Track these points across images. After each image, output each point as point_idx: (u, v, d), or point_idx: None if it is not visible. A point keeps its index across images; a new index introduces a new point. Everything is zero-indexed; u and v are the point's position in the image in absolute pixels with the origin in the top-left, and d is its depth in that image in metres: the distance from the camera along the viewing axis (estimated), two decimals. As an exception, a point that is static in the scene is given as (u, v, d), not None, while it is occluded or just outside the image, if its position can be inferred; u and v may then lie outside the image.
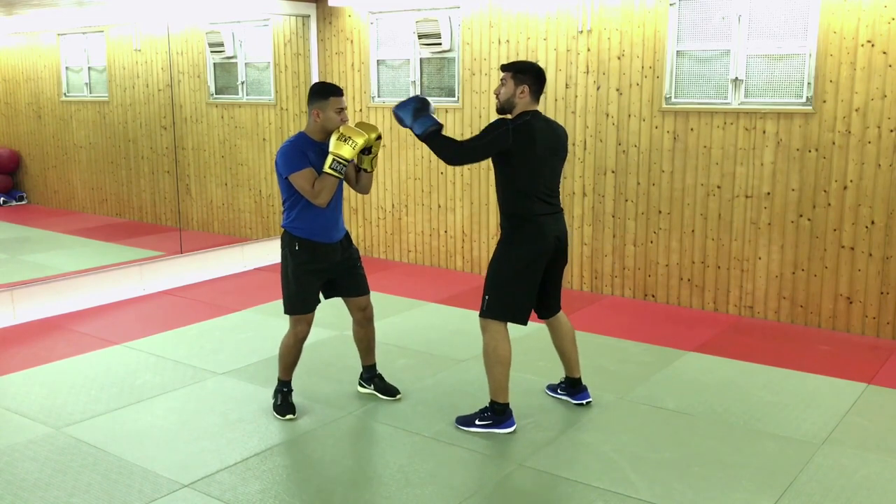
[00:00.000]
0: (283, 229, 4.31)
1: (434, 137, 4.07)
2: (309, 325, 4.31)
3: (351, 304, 4.49)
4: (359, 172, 4.37)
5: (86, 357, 5.40)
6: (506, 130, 3.97)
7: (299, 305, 4.28)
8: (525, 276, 4.12)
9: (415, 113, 4.10)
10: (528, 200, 4.06)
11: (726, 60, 6.06)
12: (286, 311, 4.32)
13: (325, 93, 4.12)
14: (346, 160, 4.03)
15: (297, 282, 4.26)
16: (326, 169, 4.02)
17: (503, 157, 4.04)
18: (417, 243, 7.93)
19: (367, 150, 4.27)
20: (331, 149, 4.03)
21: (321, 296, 4.45)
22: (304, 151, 4.10)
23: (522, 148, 3.98)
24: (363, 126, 4.22)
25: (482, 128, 4.23)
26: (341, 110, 4.12)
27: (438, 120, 4.12)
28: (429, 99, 4.25)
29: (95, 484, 3.68)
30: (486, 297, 4.12)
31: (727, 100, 6.09)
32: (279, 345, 4.44)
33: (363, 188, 4.42)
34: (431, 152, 7.64)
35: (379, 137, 4.26)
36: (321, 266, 4.29)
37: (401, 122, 4.15)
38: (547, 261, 4.16)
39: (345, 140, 4.01)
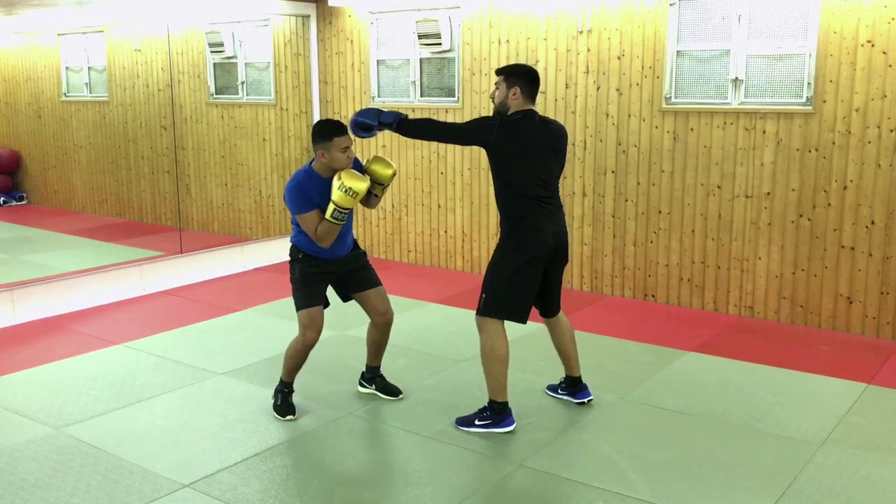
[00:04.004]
0: (291, 243, 4.41)
1: (411, 121, 4.18)
2: (318, 332, 4.32)
3: (370, 307, 4.50)
4: (369, 195, 4.41)
5: (86, 357, 5.40)
6: (492, 123, 4.07)
7: (307, 299, 4.31)
8: (523, 275, 4.12)
9: (377, 114, 4.19)
10: (523, 201, 4.09)
11: (726, 60, 6.06)
12: (297, 308, 4.35)
13: (327, 133, 4.12)
14: (346, 209, 4.08)
15: (304, 280, 4.32)
16: (328, 217, 4.09)
17: (494, 156, 4.10)
18: (417, 243, 7.93)
19: (380, 183, 4.37)
20: (332, 197, 4.06)
21: (339, 299, 4.55)
22: (309, 195, 4.15)
23: (508, 144, 4.04)
24: (379, 162, 4.32)
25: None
26: (346, 149, 4.12)
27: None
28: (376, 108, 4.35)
29: (95, 484, 3.69)
30: (483, 296, 4.16)
31: (727, 100, 6.09)
32: (286, 347, 4.45)
33: (371, 205, 4.49)
34: (431, 152, 7.72)
35: (394, 174, 4.36)
36: (328, 269, 4.37)
37: (367, 129, 4.21)
38: (546, 260, 4.16)
39: (346, 191, 4.02)
